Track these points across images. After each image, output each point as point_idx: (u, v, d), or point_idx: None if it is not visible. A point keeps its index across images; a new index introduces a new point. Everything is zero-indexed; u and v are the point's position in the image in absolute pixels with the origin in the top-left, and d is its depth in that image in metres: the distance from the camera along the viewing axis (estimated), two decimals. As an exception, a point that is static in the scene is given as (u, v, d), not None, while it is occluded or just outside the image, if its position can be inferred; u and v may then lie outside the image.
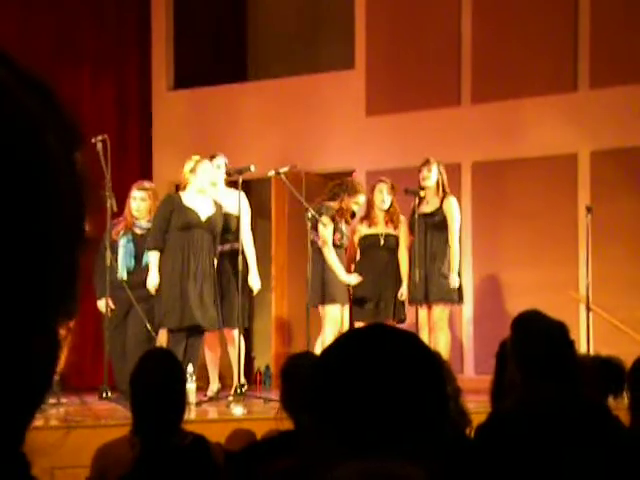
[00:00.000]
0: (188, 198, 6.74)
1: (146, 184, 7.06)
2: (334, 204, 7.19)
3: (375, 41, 8.99)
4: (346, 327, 7.19)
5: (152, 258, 6.63)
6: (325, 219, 7.04)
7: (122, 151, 9.11)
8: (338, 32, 9.59)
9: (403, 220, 7.32)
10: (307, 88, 9.30)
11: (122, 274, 6.73)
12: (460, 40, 8.69)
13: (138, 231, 6.83)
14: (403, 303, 7.28)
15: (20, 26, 8.67)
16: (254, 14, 10.35)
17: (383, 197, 7.25)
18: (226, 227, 6.88)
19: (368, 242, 7.31)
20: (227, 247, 6.92)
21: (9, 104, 0.62)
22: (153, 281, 6.59)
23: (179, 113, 9.75)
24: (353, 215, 7.40)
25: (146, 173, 9.28)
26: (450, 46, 8.70)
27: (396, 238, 7.31)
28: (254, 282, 6.92)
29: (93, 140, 6.62)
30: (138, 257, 6.79)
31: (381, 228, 7.32)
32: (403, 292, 7.23)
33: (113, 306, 6.74)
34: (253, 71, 10.24)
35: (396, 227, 7.31)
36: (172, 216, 6.64)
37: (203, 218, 6.71)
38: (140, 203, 6.84)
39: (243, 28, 10.36)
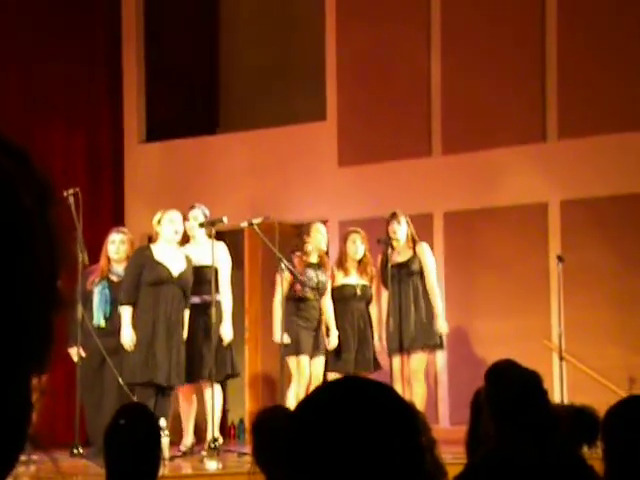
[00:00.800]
0: (159, 252, 6.73)
1: (123, 228, 7.06)
2: (297, 254, 7.18)
3: (346, 93, 9.08)
4: (315, 378, 7.15)
5: (125, 313, 6.60)
6: (285, 273, 7.02)
7: (94, 204, 9.08)
8: (309, 84, 9.69)
9: (374, 272, 7.33)
10: (279, 140, 9.36)
11: (99, 321, 6.69)
12: (430, 91, 8.80)
13: (114, 278, 6.80)
14: (375, 353, 7.28)
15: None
16: (226, 67, 10.43)
17: (356, 247, 7.28)
18: (202, 278, 6.85)
19: (343, 292, 7.31)
20: (200, 299, 6.89)
21: None
22: (127, 337, 6.56)
23: (151, 165, 9.76)
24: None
25: (118, 225, 9.25)
26: (420, 97, 8.80)
27: (370, 289, 7.33)
28: (226, 332, 6.88)
29: (65, 193, 6.62)
30: (115, 303, 6.76)
31: (355, 278, 7.33)
32: (377, 345, 7.24)
33: (84, 354, 6.68)
34: (225, 123, 10.29)
35: (370, 278, 7.32)
36: (143, 271, 6.63)
37: (175, 274, 6.71)
38: (120, 246, 6.83)
39: (215, 81, 10.43)
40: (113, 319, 6.72)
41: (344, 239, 7.37)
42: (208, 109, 10.35)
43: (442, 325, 7.19)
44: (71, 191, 6.65)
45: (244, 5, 10.34)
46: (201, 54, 10.34)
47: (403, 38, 8.84)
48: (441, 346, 7.30)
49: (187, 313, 6.82)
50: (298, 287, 7.08)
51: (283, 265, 6.95)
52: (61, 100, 9.32)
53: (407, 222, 7.29)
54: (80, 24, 9.46)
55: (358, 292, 7.28)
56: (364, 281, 7.32)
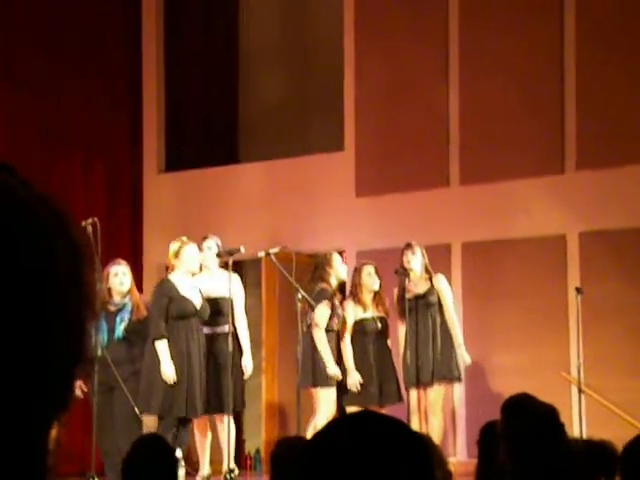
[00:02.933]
0: (180, 285, 6.76)
1: (121, 260, 7.06)
2: (325, 285, 7.19)
3: (364, 123, 9.11)
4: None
5: (161, 348, 6.59)
6: (324, 306, 7.03)
7: (113, 234, 9.13)
8: (327, 115, 9.73)
9: (388, 304, 7.34)
10: (297, 170, 9.39)
11: (99, 351, 6.69)
12: (448, 122, 8.81)
13: (112, 308, 6.82)
14: (399, 386, 7.25)
15: (9, 112, 8.76)
16: (244, 97, 10.49)
17: (372, 279, 7.27)
18: (218, 310, 6.86)
19: (364, 326, 7.27)
20: (218, 330, 6.89)
21: (27, 218, 0.68)
22: (168, 371, 6.55)
23: (170, 195, 9.81)
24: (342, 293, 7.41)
25: (137, 255, 9.30)
26: (438, 128, 8.82)
27: (387, 321, 7.32)
28: (247, 364, 6.88)
29: (83, 223, 6.65)
30: (110, 332, 6.77)
31: (372, 311, 7.31)
32: (400, 375, 7.22)
33: (85, 388, 6.66)
34: (243, 153, 10.34)
35: (385, 310, 7.31)
36: (170, 304, 6.66)
37: (198, 307, 6.75)
38: (123, 277, 6.84)
39: (234, 111, 10.49)
40: (110, 349, 6.71)
41: (358, 271, 7.36)
42: (226, 139, 10.40)
43: (465, 355, 7.15)
44: (89, 221, 6.68)
45: (263, 37, 10.41)
46: (220, 85, 10.41)
47: (421, 69, 8.87)
48: (459, 379, 7.26)
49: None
50: (335, 320, 7.10)
51: (300, 295, 6.94)
52: (80, 130, 9.39)
53: (422, 253, 7.28)
54: (100, 55, 9.55)
55: (378, 325, 7.26)
56: (381, 314, 7.31)
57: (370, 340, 7.23)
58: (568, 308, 8.05)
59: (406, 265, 7.21)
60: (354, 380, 7.08)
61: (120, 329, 6.72)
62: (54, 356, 0.67)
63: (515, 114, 8.52)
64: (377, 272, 7.29)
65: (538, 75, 8.49)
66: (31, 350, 0.64)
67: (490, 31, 8.66)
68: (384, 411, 7.19)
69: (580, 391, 7.36)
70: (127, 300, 6.82)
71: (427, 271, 7.27)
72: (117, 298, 6.82)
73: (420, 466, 1.22)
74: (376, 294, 7.29)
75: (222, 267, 7.08)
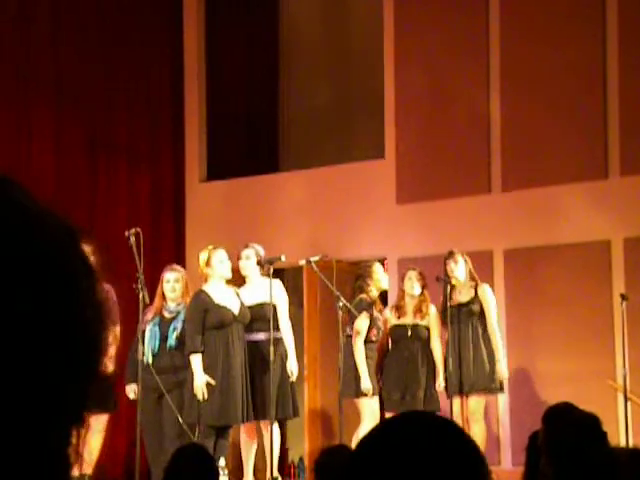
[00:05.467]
0: (216, 294, 6.76)
1: (177, 266, 7.11)
2: (364, 295, 7.19)
3: (404, 130, 9.09)
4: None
5: (194, 361, 6.61)
6: (363, 318, 7.06)
7: (156, 243, 9.20)
8: (368, 122, 9.72)
9: (433, 309, 7.29)
10: (338, 178, 9.39)
11: (148, 358, 6.72)
12: (489, 128, 8.76)
13: (167, 314, 6.85)
14: (435, 394, 7.20)
15: (56, 124, 8.88)
16: (286, 106, 10.53)
17: (413, 284, 7.25)
18: (260, 316, 6.86)
19: (397, 333, 7.27)
20: (262, 336, 6.89)
21: (39, 234, 0.68)
22: (199, 385, 6.57)
23: (212, 204, 9.86)
24: (385, 302, 7.40)
25: (179, 265, 9.35)
26: (479, 134, 8.77)
27: (426, 328, 7.27)
28: (293, 367, 6.87)
29: (126, 233, 6.72)
30: (162, 339, 6.80)
31: (409, 319, 7.29)
32: (440, 383, 7.16)
33: (136, 392, 6.71)
34: (285, 162, 10.37)
35: (424, 317, 7.27)
36: (206, 315, 6.67)
37: (237, 313, 6.75)
38: (174, 284, 6.87)
39: (275, 120, 10.53)
40: (161, 356, 6.76)
41: (401, 277, 7.37)
42: (268, 148, 10.44)
43: (503, 371, 7.09)
44: (133, 231, 6.73)
45: (303, 46, 10.45)
46: (261, 93, 10.46)
47: (461, 75, 8.83)
48: (501, 390, 7.21)
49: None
50: (374, 332, 7.10)
51: (341, 304, 6.94)
52: (124, 140, 9.49)
53: (465, 260, 7.23)
54: (143, 65, 9.65)
55: (409, 332, 7.24)
56: (418, 321, 7.28)
57: (399, 347, 7.21)
58: (613, 315, 7.95)
59: (449, 274, 7.18)
60: (365, 387, 7.07)
61: (173, 337, 6.75)
62: (69, 372, 0.67)
63: (557, 119, 8.44)
64: (421, 277, 7.26)
65: (580, 81, 8.41)
66: (44, 366, 0.65)
67: (531, 38, 8.60)
68: None
69: (626, 399, 7.27)
70: (182, 308, 6.84)
71: (472, 279, 7.22)
72: (171, 305, 6.86)
73: (470, 470, 1.19)
74: (418, 299, 7.27)
75: (264, 276, 7.08)
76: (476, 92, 8.80)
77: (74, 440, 0.70)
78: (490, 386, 7.07)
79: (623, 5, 8.32)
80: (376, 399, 7.11)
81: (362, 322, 7.07)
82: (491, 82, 8.77)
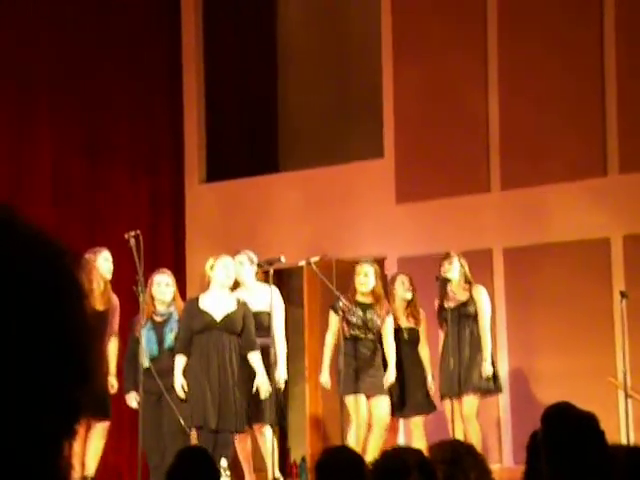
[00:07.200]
0: (206, 299, 6.79)
1: (166, 270, 7.11)
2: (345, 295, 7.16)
3: (403, 130, 9.09)
4: (378, 420, 7.11)
5: (177, 362, 6.70)
6: (330, 314, 7.06)
7: (156, 245, 9.21)
8: (366, 122, 9.73)
9: (423, 314, 7.32)
10: (337, 178, 9.40)
11: (145, 362, 6.74)
12: (488, 127, 8.77)
13: (158, 319, 6.88)
14: (429, 395, 7.23)
15: (54, 126, 8.87)
16: (284, 107, 10.54)
17: (405, 289, 7.27)
18: (257, 324, 6.87)
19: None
20: (260, 342, 6.90)
21: (32, 257, 0.72)
22: (177, 385, 6.66)
23: (211, 205, 9.87)
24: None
25: (179, 266, 9.37)
26: (478, 133, 8.77)
27: (418, 332, 7.31)
28: (280, 375, 6.86)
29: (126, 236, 6.73)
30: (160, 343, 6.82)
31: (403, 322, 7.31)
32: (431, 385, 7.20)
33: (138, 399, 6.73)
34: (284, 163, 10.38)
35: (417, 321, 7.30)
36: (192, 320, 6.71)
37: (218, 318, 6.74)
38: (165, 288, 6.89)
39: (274, 121, 10.54)
40: (161, 359, 6.78)
41: (392, 282, 7.35)
42: (267, 149, 10.45)
43: (487, 369, 7.08)
44: (132, 233, 6.75)
45: (302, 46, 10.45)
46: (260, 95, 10.46)
47: (460, 74, 8.84)
48: (496, 390, 7.22)
49: (254, 355, 6.81)
50: (344, 326, 7.07)
51: (341, 303, 6.94)
52: (123, 142, 9.49)
53: (461, 263, 7.24)
54: (141, 67, 9.64)
55: (405, 336, 7.26)
56: (411, 324, 7.31)
57: (398, 349, 7.20)
58: (613, 312, 7.96)
59: (443, 275, 7.19)
60: (389, 378, 7.05)
61: (170, 338, 6.79)
62: (62, 386, 0.69)
63: (556, 117, 8.45)
64: (411, 283, 7.28)
65: (578, 79, 8.41)
66: (37, 380, 0.67)
67: (529, 37, 8.60)
68: (415, 420, 7.18)
69: (627, 396, 7.28)
70: (172, 309, 6.87)
71: (467, 281, 7.23)
72: (161, 308, 6.87)
73: None
74: (409, 304, 7.29)
75: (262, 280, 7.07)
76: (474, 91, 8.80)
77: (67, 450, 0.72)
78: (485, 386, 7.08)
79: (621, 4, 8.32)
80: (365, 399, 7.08)
81: (332, 318, 7.07)
82: (489, 81, 8.78)
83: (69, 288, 0.72)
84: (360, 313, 7.08)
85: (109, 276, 6.89)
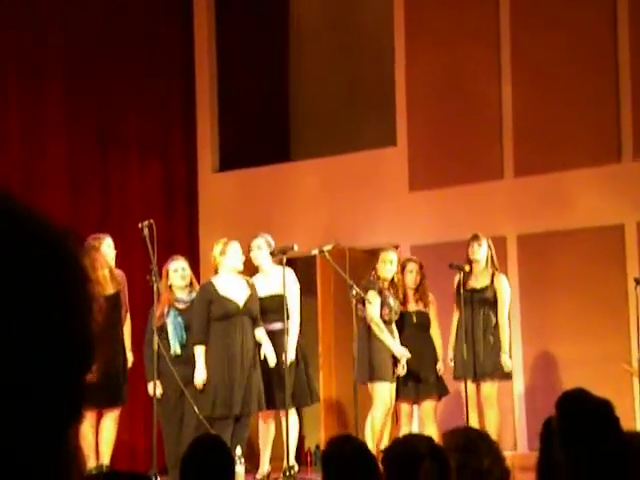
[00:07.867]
0: (222, 285, 6.77)
1: (180, 256, 7.11)
2: (372, 278, 7.21)
3: (416, 117, 9.07)
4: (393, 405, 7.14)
5: (198, 353, 6.65)
6: (371, 294, 7.04)
7: (169, 234, 9.23)
8: (379, 110, 9.71)
9: (432, 299, 7.33)
10: (350, 166, 9.39)
11: (175, 349, 6.75)
12: (501, 114, 8.74)
13: (180, 306, 6.88)
14: (442, 378, 7.25)
15: (65, 113, 8.89)
16: (296, 95, 10.52)
17: (414, 276, 7.28)
18: (274, 307, 6.88)
19: (402, 321, 7.31)
20: (274, 327, 6.91)
21: (37, 244, 0.71)
22: (201, 376, 6.62)
23: (224, 194, 9.88)
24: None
25: (193, 254, 9.38)
26: (491, 120, 8.75)
27: (428, 315, 7.32)
28: (290, 357, 6.82)
29: (140, 225, 6.74)
30: (187, 329, 6.82)
31: (412, 306, 7.33)
32: (441, 367, 7.20)
33: (160, 390, 6.74)
34: (296, 151, 10.37)
35: (426, 305, 7.31)
36: (211, 307, 6.69)
37: (241, 305, 6.74)
38: (183, 272, 6.89)
39: (286, 109, 10.53)
40: (188, 346, 6.80)
41: (401, 269, 7.36)
42: (280, 137, 10.44)
43: (506, 362, 7.09)
44: (146, 223, 6.76)
45: (314, 33, 10.43)
46: (272, 83, 10.45)
47: (473, 61, 8.81)
48: (507, 377, 7.23)
49: (259, 330, 6.82)
50: (385, 310, 7.10)
51: (354, 291, 6.95)
52: (135, 131, 9.50)
53: (489, 245, 7.26)
54: (153, 57, 9.65)
55: (414, 319, 7.28)
56: (420, 307, 7.32)
57: (407, 334, 7.23)
58: (627, 299, 7.94)
59: (471, 256, 7.19)
60: (399, 352, 7.04)
61: None
62: (63, 372, 0.69)
63: (569, 103, 8.41)
64: (421, 269, 7.29)
65: (592, 65, 8.37)
66: (38, 366, 0.67)
67: (542, 23, 8.56)
68: (426, 403, 7.20)
69: (641, 382, 7.27)
70: (194, 295, 6.87)
71: (493, 265, 7.23)
72: (181, 294, 6.88)
73: None
74: (418, 289, 7.30)
75: (277, 264, 7.09)
76: (487, 78, 8.77)
77: (74, 439, 0.72)
78: (496, 373, 7.09)
79: (634, -12, 8.27)
80: (389, 384, 7.12)
81: (373, 305, 7.06)
82: (502, 68, 8.74)
83: (72, 272, 0.71)
84: (392, 300, 7.15)
85: (113, 263, 6.91)
